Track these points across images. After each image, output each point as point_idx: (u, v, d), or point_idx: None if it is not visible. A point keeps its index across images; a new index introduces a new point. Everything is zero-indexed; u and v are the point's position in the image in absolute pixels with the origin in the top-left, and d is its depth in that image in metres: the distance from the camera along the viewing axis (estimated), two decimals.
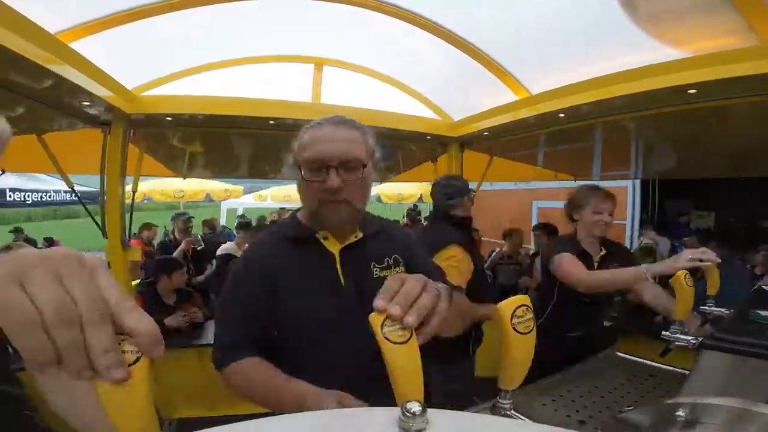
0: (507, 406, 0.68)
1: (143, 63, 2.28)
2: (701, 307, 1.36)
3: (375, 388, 0.79)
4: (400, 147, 3.21)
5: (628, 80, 1.65)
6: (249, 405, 1.00)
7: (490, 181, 3.46)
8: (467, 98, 2.74)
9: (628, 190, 6.87)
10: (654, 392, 1.34)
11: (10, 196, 6.74)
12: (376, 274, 1.09)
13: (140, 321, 0.36)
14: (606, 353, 1.66)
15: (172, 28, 2.00)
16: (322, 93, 2.65)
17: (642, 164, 3.67)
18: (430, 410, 0.39)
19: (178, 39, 2.19)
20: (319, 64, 2.64)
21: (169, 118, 2.24)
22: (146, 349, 0.38)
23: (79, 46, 1.61)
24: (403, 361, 0.56)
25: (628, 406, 1.21)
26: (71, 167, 2.45)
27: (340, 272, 1.06)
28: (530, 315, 0.66)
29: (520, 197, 8.81)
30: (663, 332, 1.24)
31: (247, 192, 10.65)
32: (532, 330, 0.66)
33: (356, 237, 1.10)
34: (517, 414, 0.68)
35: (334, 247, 1.08)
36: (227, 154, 3.64)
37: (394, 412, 0.40)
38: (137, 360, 0.49)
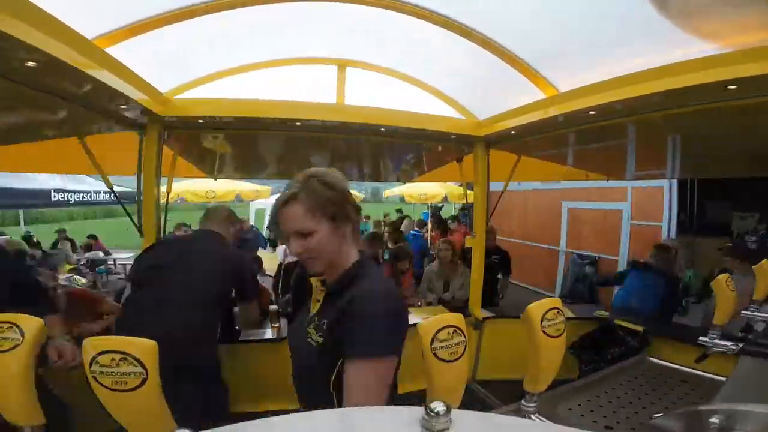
0: (531, 409, 0.67)
1: (171, 68, 2.36)
2: (743, 312, 1.29)
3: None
4: (424, 147, 3.20)
5: (664, 76, 1.58)
6: (292, 401, 1.03)
7: (517, 181, 3.40)
8: (493, 97, 2.70)
9: (664, 190, 6.59)
10: (687, 398, 1.28)
11: (54, 197, 7.10)
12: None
13: None
14: (637, 358, 1.61)
15: (197, 34, 2.06)
16: (346, 94, 2.67)
17: (679, 164, 3.51)
18: (454, 411, 0.39)
19: (203, 44, 2.26)
20: (342, 65, 2.66)
21: (200, 121, 2.31)
22: None
23: (113, 51, 1.68)
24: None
25: (658, 412, 1.16)
26: (111, 168, 2.57)
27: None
28: (561, 318, 0.64)
29: (549, 197, 8.60)
30: (700, 338, 1.19)
31: (274, 192, 10.88)
32: (562, 333, 0.64)
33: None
34: (542, 418, 0.67)
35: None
36: (256, 156, 3.73)
37: (418, 411, 0.40)
38: (144, 381, 0.51)
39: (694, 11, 1.59)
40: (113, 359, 0.59)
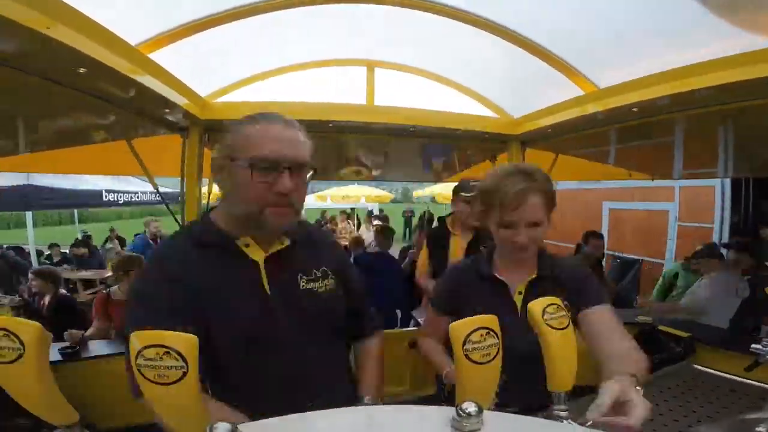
0: (563, 413, 0.65)
1: (209, 72, 2.44)
2: None
3: (302, 399, 0.78)
4: (457, 146, 3.16)
5: (716, 70, 1.48)
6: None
7: (555, 180, 3.31)
8: (527, 95, 2.64)
9: (715, 190, 6.18)
10: (733, 408, 1.20)
11: (105, 197, 7.56)
12: (303, 286, 1.03)
13: None
14: (681, 365, 1.52)
15: (232, 39, 2.12)
16: (376, 95, 2.68)
17: (732, 161, 3.29)
18: (486, 412, 0.38)
19: (238, 48, 2.32)
20: (371, 66, 2.67)
21: None
22: None
23: (155, 56, 1.76)
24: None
25: (699, 421, 1.10)
26: (156, 170, 2.70)
27: (264, 282, 0.99)
28: (563, 312, 0.64)
29: (589, 197, 8.28)
30: (752, 345, 1.11)
31: (308, 192, 11.08)
32: (567, 326, 0.63)
33: (282, 244, 1.02)
34: (574, 423, 0.65)
35: (257, 255, 0.99)
36: None
37: (448, 411, 0.40)
38: (184, 375, 0.53)
39: (740, 2, 1.49)
40: (157, 353, 0.62)
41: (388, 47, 2.54)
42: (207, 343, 0.90)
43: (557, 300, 0.66)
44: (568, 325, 0.64)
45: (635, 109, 1.88)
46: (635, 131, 2.28)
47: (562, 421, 0.64)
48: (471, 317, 0.59)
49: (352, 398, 1.10)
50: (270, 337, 0.98)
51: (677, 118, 1.95)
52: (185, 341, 0.63)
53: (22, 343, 0.71)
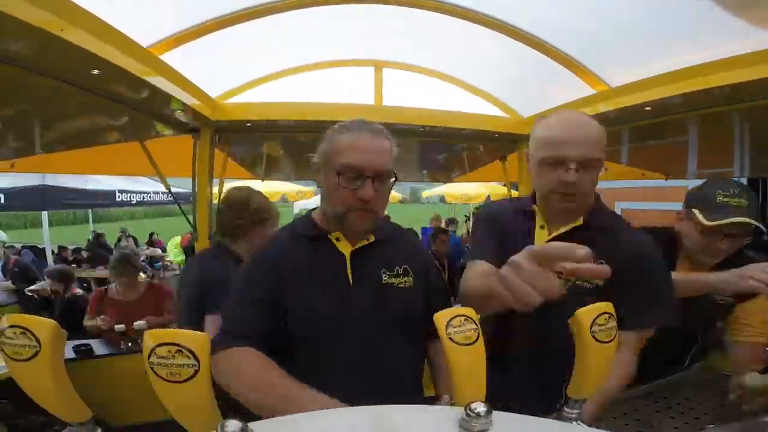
0: (573, 415, 0.64)
1: (219, 73, 2.46)
2: None
3: (374, 389, 0.80)
4: (466, 146, 3.15)
5: (727, 69, 1.45)
6: None
7: None
8: (537, 95, 2.61)
9: None
10: (746, 411, 1.17)
11: (118, 197, 7.69)
12: (385, 280, 1.10)
13: None
14: (695, 367, 1.49)
15: (241, 40, 2.13)
16: (384, 95, 2.68)
17: (749, 160, 3.22)
18: (496, 412, 0.38)
19: (247, 50, 2.33)
20: (378, 66, 2.67)
21: (248, 124, 2.41)
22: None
23: (166, 58, 1.78)
24: (466, 361, 0.56)
25: (711, 424, 1.07)
26: (168, 170, 2.74)
27: (349, 272, 1.08)
28: (612, 323, 0.62)
29: (601, 197, 8.16)
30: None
31: (318, 193, 11.20)
32: (613, 339, 0.61)
33: (368, 240, 1.12)
34: (583, 424, 0.64)
35: (345, 248, 1.10)
36: (300, 158, 3.84)
37: (456, 411, 0.40)
38: (195, 373, 0.54)
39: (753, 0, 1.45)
40: (170, 351, 0.63)
41: (396, 47, 2.53)
42: (286, 324, 1.04)
43: (610, 307, 0.63)
44: (615, 336, 0.61)
45: (648, 108, 1.85)
46: (648, 130, 2.24)
47: (572, 423, 0.63)
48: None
49: (419, 395, 1.15)
50: (344, 325, 1.03)
51: (691, 118, 1.92)
52: (197, 340, 0.63)
53: (38, 340, 0.72)
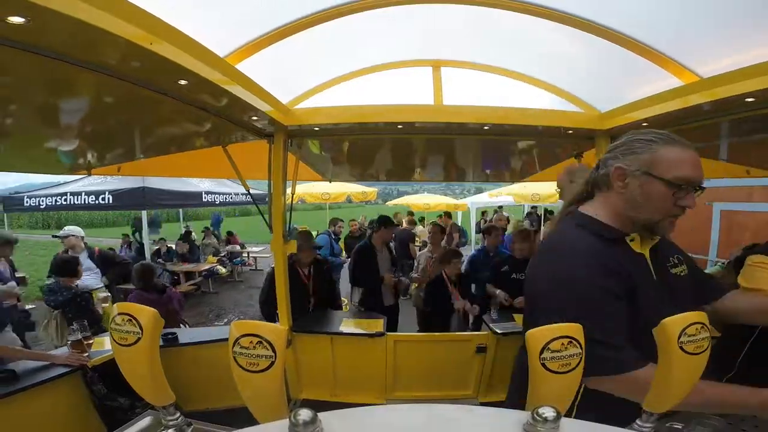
0: (647, 429, 0.58)
1: (287, 79, 2.56)
2: None
3: None
4: (537, 144, 3.00)
5: None
6: (364, 395, 1.04)
7: None
8: (612, 88, 2.41)
9: None
10: None
11: (204, 198, 8.47)
12: (672, 271, 1.19)
13: None
14: None
15: (307, 46, 2.20)
16: (444, 95, 2.63)
17: None
18: (564, 419, 0.36)
19: (313, 56, 2.41)
20: (436, 65, 2.63)
21: (316, 129, 2.51)
22: None
23: (240, 67, 1.89)
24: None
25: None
26: (247, 173, 2.95)
27: (652, 270, 1.15)
28: (705, 334, 0.56)
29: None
30: None
31: (381, 194, 11.42)
32: (704, 351, 0.55)
33: (653, 240, 1.19)
34: None
35: (642, 248, 1.17)
36: (364, 160, 3.94)
37: (523, 414, 0.38)
38: (272, 364, 0.57)
39: None
40: (251, 342, 0.68)
41: (455, 46, 2.48)
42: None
43: (703, 317, 0.57)
44: (706, 348, 0.56)
45: (751, 99, 1.63)
46: (754, 123, 1.97)
47: None
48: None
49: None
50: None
51: None
52: (276, 332, 0.68)
53: (141, 327, 0.81)
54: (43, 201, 7.46)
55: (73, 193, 7.25)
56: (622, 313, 1.03)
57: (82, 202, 7.22)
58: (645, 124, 2.21)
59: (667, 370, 0.54)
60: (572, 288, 1.05)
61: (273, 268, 2.49)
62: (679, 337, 0.54)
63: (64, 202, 7.36)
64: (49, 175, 7.02)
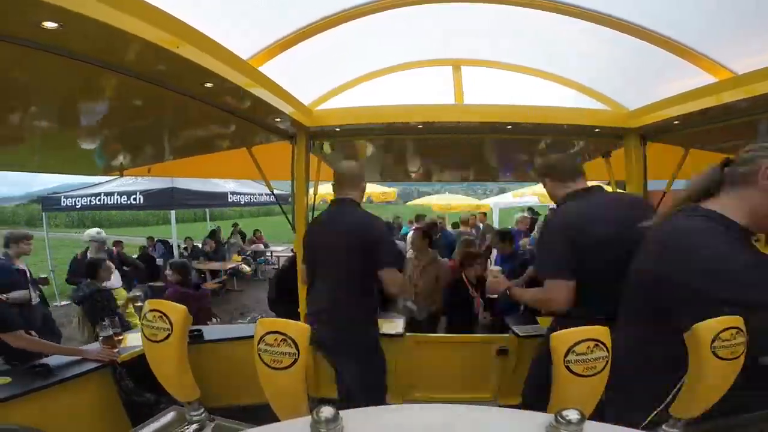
0: None
1: (308, 81, 2.56)
2: None
3: None
4: (562, 143, 2.94)
5: None
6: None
7: (686, 179, 2.83)
8: (643, 85, 2.34)
9: None
10: None
11: (230, 198, 8.68)
12: None
13: None
14: None
15: (326, 47, 2.21)
16: (465, 94, 2.60)
17: None
18: (588, 422, 0.35)
19: (333, 56, 2.42)
20: (456, 65, 2.61)
21: (337, 129, 2.53)
22: None
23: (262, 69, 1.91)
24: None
25: None
26: (271, 174, 3.00)
27: None
28: (740, 339, 0.53)
29: None
30: None
31: (401, 194, 11.41)
32: (739, 357, 0.53)
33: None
34: None
35: (765, 249, 1.22)
36: (385, 160, 3.94)
37: (546, 417, 0.38)
38: (294, 362, 0.58)
39: None
40: (276, 339, 0.69)
41: (476, 45, 2.45)
42: None
43: (739, 321, 0.55)
44: (741, 353, 0.54)
45: None
46: None
47: None
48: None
49: None
50: None
51: None
52: (300, 330, 0.69)
53: (171, 324, 0.83)
54: (78, 201, 7.82)
55: (106, 194, 7.58)
56: None
57: (115, 202, 7.54)
58: (677, 122, 2.14)
59: (698, 375, 0.52)
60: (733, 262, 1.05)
61: (278, 269, 2.48)
62: (713, 342, 0.52)
63: (98, 202, 7.70)
64: (84, 176, 7.38)
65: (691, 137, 2.42)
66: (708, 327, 0.54)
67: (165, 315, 0.86)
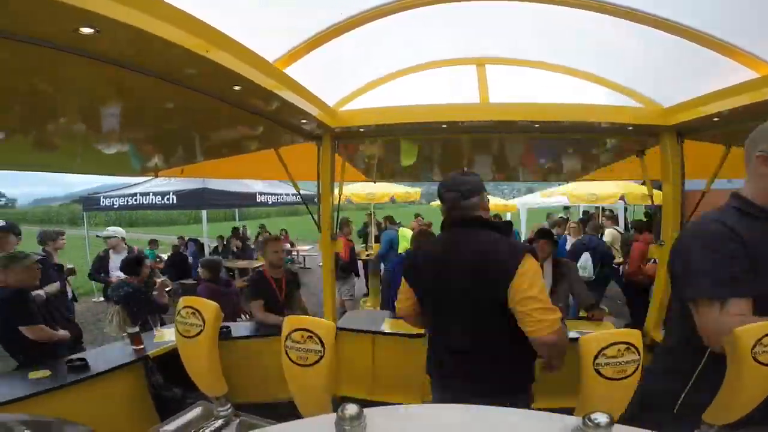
0: None
1: (332, 81, 2.55)
2: None
3: None
4: (593, 141, 2.85)
5: None
6: (402, 395, 1.03)
7: (726, 178, 2.68)
8: (679, 82, 2.22)
9: None
10: None
11: (258, 198, 8.88)
12: None
13: None
14: None
15: (349, 48, 2.19)
16: (490, 93, 2.54)
17: None
18: (617, 425, 0.34)
19: (355, 57, 2.40)
20: (480, 63, 2.56)
21: (361, 130, 2.54)
22: None
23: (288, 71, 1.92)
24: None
25: None
26: (297, 174, 3.05)
27: None
28: None
29: None
30: None
31: (425, 195, 11.33)
32: None
33: None
34: None
35: None
36: (409, 161, 3.92)
37: (573, 420, 0.37)
38: (320, 359, 0.58)
39: None
40: (302, 336, 0.70)
41: (500, 43, 2.40)
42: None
43: None
44: None
45: None
46: None
47: None
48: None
49: None
50: None
51: None
52: (326, 327, 0.70)
53: (203, 320, 0.86)
54: (116, 201, 8.19)
55: (142, 194, 7.91)
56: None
57: (150, 202, 7.85)
58: (716, 119, 2.04)
59: (737, 380, 0.49)
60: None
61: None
62: (754, 347, 0.49)
63: (134, 202, 8.04)
64: (122, 177, 7.72)
65: (731, 134, 2.30)
66: (749, 332, 0.51)
67: (198, 311, 0.89)
